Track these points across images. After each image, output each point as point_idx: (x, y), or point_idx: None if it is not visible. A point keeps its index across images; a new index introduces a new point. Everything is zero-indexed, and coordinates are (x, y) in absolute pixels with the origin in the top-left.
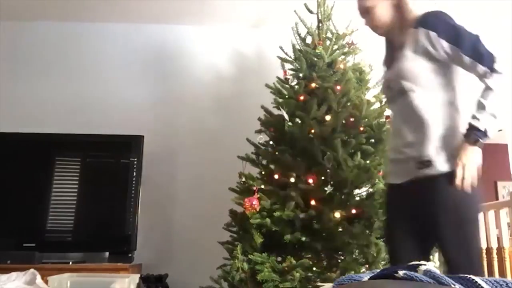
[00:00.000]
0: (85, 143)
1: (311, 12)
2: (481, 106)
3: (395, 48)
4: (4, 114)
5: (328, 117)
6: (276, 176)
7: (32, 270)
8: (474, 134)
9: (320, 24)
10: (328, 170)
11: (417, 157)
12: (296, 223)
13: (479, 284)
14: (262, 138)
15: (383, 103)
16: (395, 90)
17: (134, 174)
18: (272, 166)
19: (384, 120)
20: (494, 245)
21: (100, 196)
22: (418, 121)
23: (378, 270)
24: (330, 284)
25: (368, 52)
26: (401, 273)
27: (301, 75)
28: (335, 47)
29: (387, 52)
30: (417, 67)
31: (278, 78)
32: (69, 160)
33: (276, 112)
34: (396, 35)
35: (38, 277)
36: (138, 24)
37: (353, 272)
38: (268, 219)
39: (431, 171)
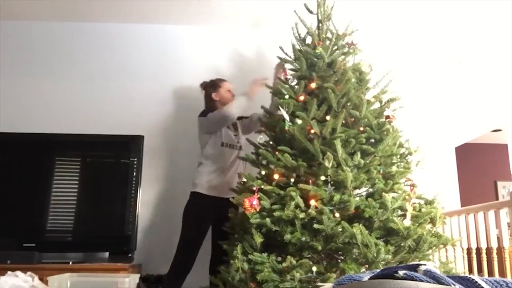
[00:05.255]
0: (85, 143)
1: (311, 12)
2: None
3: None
4: (4, 114)
5: (328, 117)
6: (276, 176)
7: (29, 273)
8: None
9: (320, 24)
10: (328, 170)
11: None
12: (296, 223)
13: (479, 284)
14: (262, 138)
15: (383, 103)
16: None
17: (134, 174)
18: (272, 166)
19: (384, 120)
20: (494, 245)
21: (100, 196)
22: None
23: (378, 270)
24: (330, 284)
25: (368, 52)
26: (401, 273)
27: (301, 75)
28: (335, 47)
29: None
30: None
31: (278, 78)
32: (69, 160)
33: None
34: None
35: (36, 278)
36: (138, 24)
37: (353, 272)
38: (268, 219)
39: None
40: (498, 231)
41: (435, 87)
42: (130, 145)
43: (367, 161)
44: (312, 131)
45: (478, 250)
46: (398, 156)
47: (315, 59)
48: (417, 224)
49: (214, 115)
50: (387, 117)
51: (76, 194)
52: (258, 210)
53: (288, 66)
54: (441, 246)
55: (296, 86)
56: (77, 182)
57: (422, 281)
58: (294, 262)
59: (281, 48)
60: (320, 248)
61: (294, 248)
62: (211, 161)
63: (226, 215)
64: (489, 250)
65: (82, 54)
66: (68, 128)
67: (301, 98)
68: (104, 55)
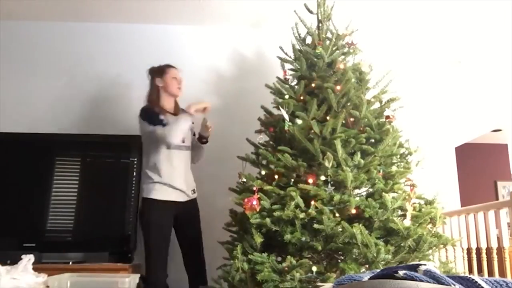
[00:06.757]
0: (85, 143)
1: (311, 12)
2: None
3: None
4: (4, 114)
5: (328, 117)
6: (276, 176)
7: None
8: None
9: (320, 24)
10: (328, 170)
11: None
12: (296, 223)
13: (479, 284)
14: (262, 138)
15: (383, 103)
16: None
17: (134, 174)
18: (272, 166)
19: (384, 120)
20: (494, 245)
21: (100, 196)
22: None
23: (378, 270)
24: (330, 284)
25: (368, 52)
26: (401, 273)
27: (301, 75)
28: (335, 47)
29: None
30: None
31: (278, 78)
32: (69, 160)
33: (276, 112)
34: None
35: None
36: (138, 24)
37: (353, 272)
38: (268, 219)
39: None
40: (498, 231)
41: (435, 87)
42: (130, 145)
43: (367, 161)
44: (312, 131)
45: (478, 250)
46: (398, 156)
47: (315, 59)
48: (417, 224)
49: (158, 132)
50: (387, 117)
51: (76, 194)
52: (258, 210)
53: (288, 66)
54: (441, 246)
55: (296, 86)
56: (77, 182)
57: (422, 281)
58: (294, 262)
59: (281, 48)
60: (320, 248)
61: (294, 248)
62: (159, 164)
63: (191, 217)
64: (489, 250)
65: (82, 54)
66: (68, 128)
67: (301, 98)
68: (104, 55)
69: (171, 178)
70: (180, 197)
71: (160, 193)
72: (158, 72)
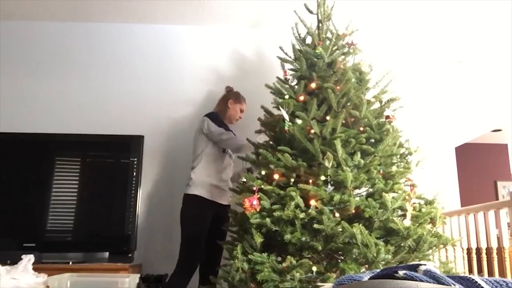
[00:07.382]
0: (85, 143)
1: (311, 12)
2: None
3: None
4: (4, 114)
5: (328, 117)
6: (276, 176)
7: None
8: None
9: (320, 24)
10: (328, 170)
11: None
12: (296, 223)
13: (479, 284)
14: (262, 138)
15: (383, 103)
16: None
17: (134, 174)
18: (272, 166)
19: (384, 120)
20: (494, 245)
21: (100, 196)
22: None
23: (378, 270)
24: (330, 284)
25: (368, 52)
26: (401, 273)
27: (301, 75)
28: (335, 47)
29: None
30: None
31: (278, 78)
32: (69, 160)
33: (276, 112)
34: None
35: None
36: (138, 24)
37: (353, 272)
38: (268, 219)
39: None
40: (498, 231)
41: (435, 87)
42: (130, 145)
43: (367, 161)
44: (312, 131)
45: (478, 250)
46: (398, 156)
47: (315, 59)
48: (417, 224)
49: (228, 139)
50: (387, 117)
51: (76, 194)
52: (258, 210)
53: (288, 66)
54: (441, 246)
55: (296, 86)
56: (77, 182)
57: (422, 281)
58: (294, 262)
59: (281, 48)
60: (320, 248)
61: (294, 248)
62: (208, 163)
63: (223, 221)
64: (489, 250)
65: (82, 54)
66: (68, 128)
67: (301, 98)
68: (104, 55)
69: (215, 177)
70: (221, 199)
71: (205, 191)
72: (234, 96)
